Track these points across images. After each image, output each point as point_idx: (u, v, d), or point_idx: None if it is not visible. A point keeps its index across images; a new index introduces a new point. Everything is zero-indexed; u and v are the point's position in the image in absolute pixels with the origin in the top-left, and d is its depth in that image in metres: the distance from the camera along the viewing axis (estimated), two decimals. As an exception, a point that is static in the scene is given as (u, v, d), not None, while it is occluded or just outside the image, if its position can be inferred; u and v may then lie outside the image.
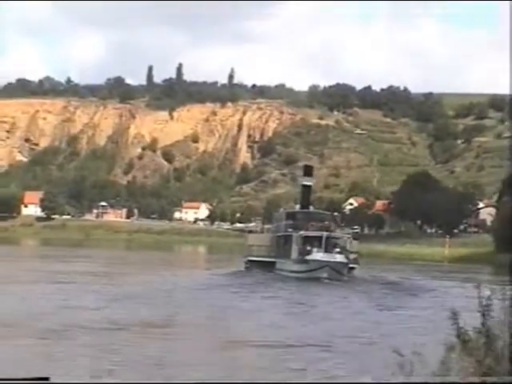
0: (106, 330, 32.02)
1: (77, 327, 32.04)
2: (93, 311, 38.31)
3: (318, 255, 66.94)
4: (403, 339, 24.74)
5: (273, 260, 75.23)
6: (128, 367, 23.61)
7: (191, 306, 42.57)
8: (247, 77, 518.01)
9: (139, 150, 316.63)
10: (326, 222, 76.27)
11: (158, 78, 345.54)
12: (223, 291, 53.44)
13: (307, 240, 70.56)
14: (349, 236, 78.41)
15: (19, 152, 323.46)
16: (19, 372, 22.04)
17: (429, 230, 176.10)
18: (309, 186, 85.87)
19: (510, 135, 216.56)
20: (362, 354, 25.84)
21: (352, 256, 71.48)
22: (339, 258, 67.41)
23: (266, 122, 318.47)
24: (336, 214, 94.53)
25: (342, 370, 22.61)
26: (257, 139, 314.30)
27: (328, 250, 68.28)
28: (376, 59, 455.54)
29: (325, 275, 64.32)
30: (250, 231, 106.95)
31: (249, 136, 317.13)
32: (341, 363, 24.25)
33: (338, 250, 68.96)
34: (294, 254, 70.58)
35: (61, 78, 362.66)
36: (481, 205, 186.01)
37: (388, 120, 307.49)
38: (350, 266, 70.03)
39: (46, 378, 6.33)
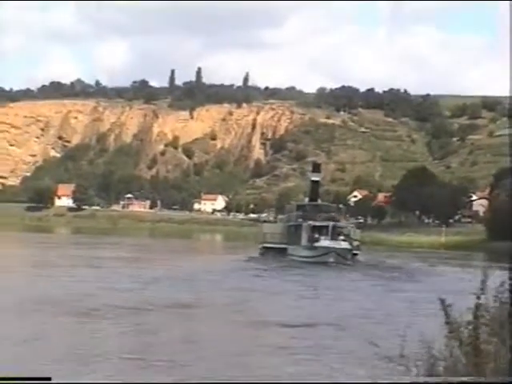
0: (144, 310, 32.29)
1: (116, 307, 32.38)
2: (129, 293, 38.63)
3: (325, 242, 69.41)
4: (401, 319, 25.02)
5: (285, 246, 77.32)
6: (164, 344, 23.93)
7: (216, 289, 42.97)
8: (260, 80, 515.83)
9: (162, 147, 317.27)
10: (332, 213, 79.09)
11: (179, 81, 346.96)
12: (243, 275, 54.11)
13: (315, 229, 73.16)
14: (352, 225, 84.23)
15: (53, 148, 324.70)
16: (64, 346, 22.52)
17: (426, 220, 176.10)
18: (317, 181, 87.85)
19: (509, 133, 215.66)
20: (370, 332, 26.09)
21: (355, 243, 74.20)
22: (344, 244, 69.89)
23: (278, 121, 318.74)
24: (341, 205, 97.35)
25: (354, 347, 22.72)
26: (269, 137, 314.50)
27: (334, 237, 70.65)
28: (378, 64, 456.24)
29: (331, 260, 66.61)
30: (265, 221, 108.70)
31: (262, 134, 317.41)
32: (354, 341, 24.28)
33: (342, 237, 71.47)
34: (304, 241, 73.10)
35: (91, 81, 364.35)
36: (474, 197, 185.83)
37: (389, 119, 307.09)
38: (354, 252, 72.21)
39: (48, 378, 5.97)
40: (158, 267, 58.76)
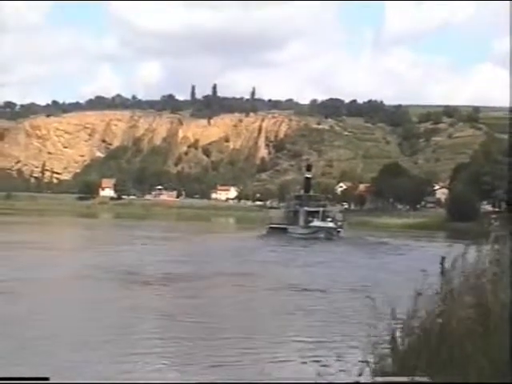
0: (186, 278, 32.67)
1: (167, 274, 32.91)
2: (174, 264, 39.05)
3: (316, 223, 75.41)
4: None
5: (286, 226, 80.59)
6: (213, 305, 24.39)
7: (240, 261, 43.62)
8: (265, 93, 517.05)
9: (185, 148, 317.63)
10: (322, 202, 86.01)
11: (199, 95, 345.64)
12: (258, 249, 55.58)
13: (309, 213, 79.43)
14: (337, 210, 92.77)
15: (98, 150, 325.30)
16: (127, 307, 23.01)
17: (399, 206, 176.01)
18: (309, 178, 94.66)
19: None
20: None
21: (339, 223, 79.37)
22: (331, 224, 76.06)
23: (279, 126, 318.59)
24: (329, 195, 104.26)
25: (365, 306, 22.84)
26: (272, 139, 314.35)
27: (323, 219, 76.95)
28: (360, 79, 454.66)
29: (321, 236, 71.88)
30: (270, 207, 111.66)
31: (266, 137, 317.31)
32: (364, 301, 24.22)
33: (329, 219, 77.69)
34: (301, 222, 78.29)
35: (128, 95, 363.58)
36: (437, 187, 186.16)
37: (368, 125, 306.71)
38: (338, 230, 76.49)
39: (46, 378, 5.13)
40: (191, 244, 59.47)
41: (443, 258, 8.29)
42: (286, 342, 18.29)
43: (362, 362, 7.56)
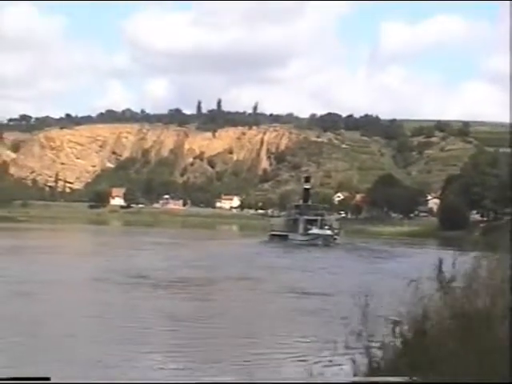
0: (201, 282, 32.96)
1: (186, 280, 33.18)
2: (185, 269, 39.26)
3: (315, 230, 77.26)
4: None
5: (286, 234, 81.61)
6: (220, 308, 24.79)
7: (245, 266, 43.86)
8: (267, 108, 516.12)
9: (191, 159, 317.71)
10: (320, 211, 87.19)
11: (204, 109, 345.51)
12: (262, 255, 55.73)
13: (308, 221, 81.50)
14: (334, 219, 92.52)
15: (108, 161, 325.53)
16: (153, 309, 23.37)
17: (393, 215, 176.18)
18: (308, 189, 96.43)
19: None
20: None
21: (336, 231, 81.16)
22: (328, 232, 77.99)
23: (280, 139, 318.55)
24: (326, 205, 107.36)
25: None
26: (273, 151, 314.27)
27: (321, 227, 78.95)
28: (357, 95, 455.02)
29: (319, 242, 73.60)
30: (271, 216, 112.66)
31: (268, 149, 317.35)
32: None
33: (327, 227, 79.64)
34: (301, 230, 79.97)
35: (137, 109, 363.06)
36: (429, 197, 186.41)
37: (365, 138, 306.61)
38: (334, 237, 78.36)
39: (47, 378, 4.68)
40: (198, 249, 59.67)
41: (440, 262, 8.45)
42: (284, 343, 18.64)
43: (355, 362, 7.79)
